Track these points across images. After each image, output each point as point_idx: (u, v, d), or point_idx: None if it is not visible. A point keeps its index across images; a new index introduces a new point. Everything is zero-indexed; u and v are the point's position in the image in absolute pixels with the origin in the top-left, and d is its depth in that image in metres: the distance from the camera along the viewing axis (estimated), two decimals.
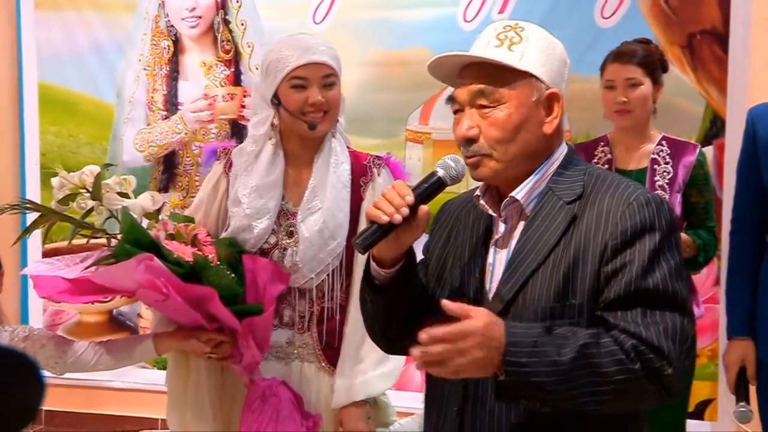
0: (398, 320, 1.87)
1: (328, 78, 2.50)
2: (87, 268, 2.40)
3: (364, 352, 2.52)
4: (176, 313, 2.45)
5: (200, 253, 2.45)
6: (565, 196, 1.73)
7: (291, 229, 2.54)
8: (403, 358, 2.59)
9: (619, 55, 3.14)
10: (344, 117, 2.64)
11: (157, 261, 2.32)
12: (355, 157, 2.60)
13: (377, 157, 2.63)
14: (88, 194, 2.45)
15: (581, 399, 1.59)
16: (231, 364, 2.49)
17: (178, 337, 2.47)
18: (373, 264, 1.81)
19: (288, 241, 2.54)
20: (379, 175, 2.58)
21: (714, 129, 3.84)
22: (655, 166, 3.14)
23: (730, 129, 3.72)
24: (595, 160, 3.17)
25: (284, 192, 2.56)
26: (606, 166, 3.14)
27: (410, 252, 1.80)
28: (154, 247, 2.38)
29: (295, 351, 2.57)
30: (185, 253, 2.42)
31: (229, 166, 2.60)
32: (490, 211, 1.81)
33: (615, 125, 3.20)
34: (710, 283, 3.84)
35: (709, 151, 3.78)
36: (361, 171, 2.58)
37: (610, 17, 3.90)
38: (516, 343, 1.58)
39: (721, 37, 3.80)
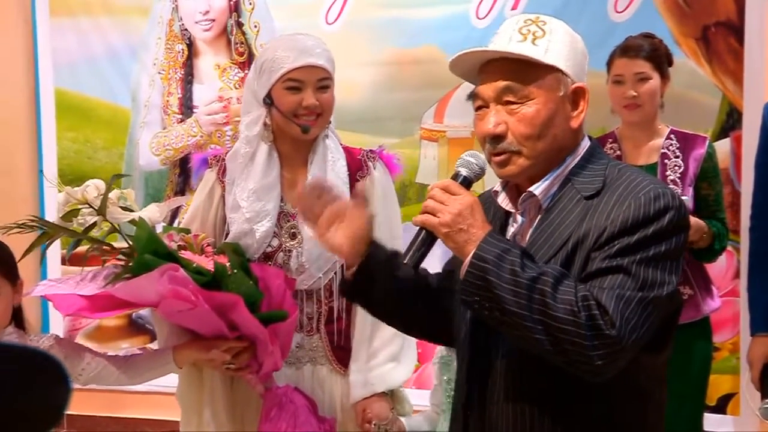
0: (390, 313, 1.95)
1: (323, 81, 2.47)
2: (107, 284, 2.34)
3: (377, 347, 2.51)
4: (199, 323, 2.41)
5: (220, 261, 2.42)
6: (584, 190, 1.71)
7: (293, 230, 2.52)
8: (415, 353, 2.62)
9: (627, 50, 3.11)
10: (334, 117, 2.60)
11: (182, 271, 2.28)
12: (348, 153, 2.58)
13: (370, 151, 2.61)
14: (88, 209, 2.38)
15: (524, 322, 1.58)
16: (246, 374, 2.46)
17: (199, 348, 2.43)
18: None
19: (291, 242, 2.52)
20: (375, 168, 2.57)
21: (731, 121, 3.80)
22: (666, 161, 3.12)
23: (747, 121, 3.68)
24: None
25: (282, 194, 2.54)
26: None
27: (372, 255, 1.84)
28: (171, 258, 2.34)
29: (312, 349, 2.56)
30: (202, 261, 2.39)
31: (222, 171, 2.56)
32: (509, 207, 1.80)
33: (622, 120, 3.18)
34: (730, 276, 3.80)
35: (726, 143, 3.77)
36: (356, 166, 2.57)
37: (623, 11, 3.88)
38: (490, 241, 1.63)
39: (736, 29, 3.76)
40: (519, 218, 1.79)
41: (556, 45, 1.73)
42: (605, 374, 1.60)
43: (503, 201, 1.81)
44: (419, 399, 2.91)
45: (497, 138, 1.73)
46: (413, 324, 1.99)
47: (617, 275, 1.61)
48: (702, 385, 3.22)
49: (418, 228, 1.72)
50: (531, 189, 1.74)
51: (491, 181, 1.86)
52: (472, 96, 1.78)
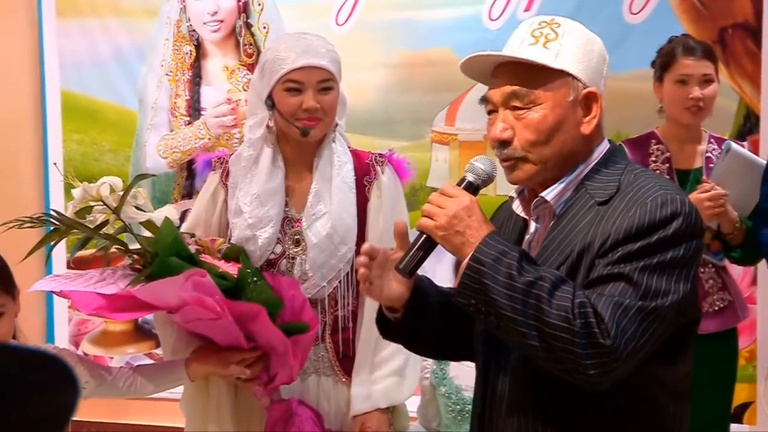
0: (426, 344, 1.91)
1: (325, 82, 2.40)
2: (128, 285, 2.26)
3: (382, 359, 2.46)
4: (218, 332, 2.33)
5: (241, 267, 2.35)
6: (597, 195, 1.67)
7: (297, 237, 2.46)
8: (419, 369, 2.59)
9: (692, 50, 2.99)
10: (344, 119, 2.55)
11: (208, 277, 2.20)
12: (357, 157, 2.51)
13: (380, 154, 2.54)
14: (100, 207, 2.31)
15: (519, 328, 1.55)
16: (254, 385, 2.39)
17: (216, 364, 2.36)
18: (384, 309, 1.82)
19: (295, 249, 2.46)
20: (383, 173, 2.50)
21: (748, 125, 3.76)
22: (711, 165, 3.01)
23: (765, 125, 3.63)
24: (653, 158, 3.02)
25: (286, 198, 2.47)
26: (667, 165, 3.00)
27: (417, 290, 1.79)
28: (193, 261, 2.27)
29: (317, 359, 2.50)
30: (225, 266, 2.33)
31: (226, 174, 2.50)
32: (523, 213, 1.77)
33: (676, 122, 3.03)
34: (747, 283, 3.75)
35: None
36: (363, 170, 2.50)
37: (638, 13, 3.83)
38: (489, 243, 1.59)
39: (753, 31, 3.72)
40: (533, 225, 1.76)
41: (568, 48, 1.69)
42: (600, 385, 1.55)
43: (517, 207, 1.79)
44: (413, 406, 2.89)
45: (504, 143, 1.71)
46: (454, 349, 1.94)
47: (618, 283, 1.56)
48: (730, 396, 3.15)
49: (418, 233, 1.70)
50: (543, 194, 1.71)
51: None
52: (484, 100, 1.76)
